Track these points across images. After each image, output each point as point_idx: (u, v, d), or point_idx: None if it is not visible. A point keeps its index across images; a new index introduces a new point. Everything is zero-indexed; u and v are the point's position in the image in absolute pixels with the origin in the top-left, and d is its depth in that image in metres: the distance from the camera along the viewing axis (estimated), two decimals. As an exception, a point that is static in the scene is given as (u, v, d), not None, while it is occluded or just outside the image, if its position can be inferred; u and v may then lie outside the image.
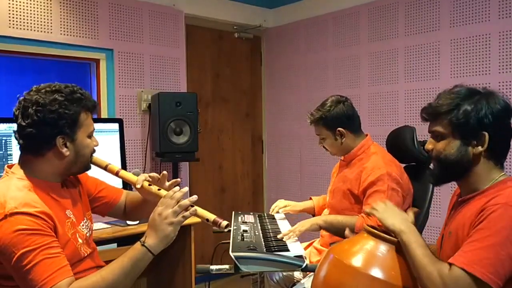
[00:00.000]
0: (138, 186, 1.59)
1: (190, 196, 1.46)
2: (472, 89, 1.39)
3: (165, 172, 1.65)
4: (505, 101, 1.36)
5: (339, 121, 2.21)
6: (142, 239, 1.41)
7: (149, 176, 1.62)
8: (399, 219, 1.37)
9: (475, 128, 1.33)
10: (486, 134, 1.33)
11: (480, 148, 1.34)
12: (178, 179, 1.62)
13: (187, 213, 1.42)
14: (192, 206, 1.44)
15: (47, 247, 1.33)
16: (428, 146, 1.44)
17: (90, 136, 1.55)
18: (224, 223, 1.41)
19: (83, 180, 1.73)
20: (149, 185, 1.60)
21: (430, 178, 1.51)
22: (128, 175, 1.64)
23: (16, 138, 1.47)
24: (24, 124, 1.43)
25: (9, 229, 1.31)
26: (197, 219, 2.66)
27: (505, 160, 1.41)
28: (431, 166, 1.46)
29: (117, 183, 1.98)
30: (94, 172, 1.67)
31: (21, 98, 1.46)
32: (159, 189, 1.57)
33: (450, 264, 1.24)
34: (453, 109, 1.35)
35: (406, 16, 3.25)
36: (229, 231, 1.42)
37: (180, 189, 1.48)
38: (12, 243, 1.30)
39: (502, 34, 2.79)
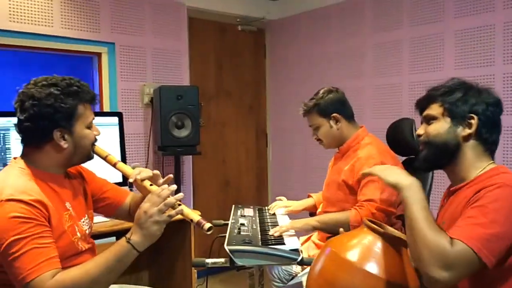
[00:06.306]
0: (131, 180, 1.58)
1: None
2: (468, 81, 1.44)
3: (156, 171, 1.62)
4: (497, 97, 1.41)
5: (333, 106, 2.21)
6: (128, 235, 1.40)
7: (142, 171, 1.60)
8: (402, 175, 1.33)
9: (466, 111, 1.37)
10: (476, 117, 1.36)
11: (468, 130, 1.37)
12: (170, 175, 1.60)
13: (173, 212, 1.40)
14: (179, 204, 1.43)
15: (37, 237, 1.33)
16: (420, 131, 1.47)
17: (89, 126, 1.55)
18: (207, 225, 1.39)
19: (90, 180, 1.74)
20: (142, 180, 1.58)
21: (419, 164, 1.48)
22: (125, 167, 1.63)
23: (17, 131, 1.49)
24: (22, 118, 1.44)
25: (3, 215, 1.32)
26: (198, 213, 2.69)
27: (494, 151, 1.41)
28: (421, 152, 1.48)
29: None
30: (97, 162, 1.66)
31: (20, 91, 1.47)
32: (151, 185, 1.56)
33: (451, 238, 1.20)
34: (447, 92, 1.40)
35: (411, 7, 3.20)
36: (211, 232, 1.41)
37: (168, 186, 1.46)
38: (4, 229, 1.31)
39: (507, 25, 2.74)
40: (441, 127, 1.40)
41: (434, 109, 1.42)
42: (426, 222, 1.20)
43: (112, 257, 1.37)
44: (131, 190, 1.98)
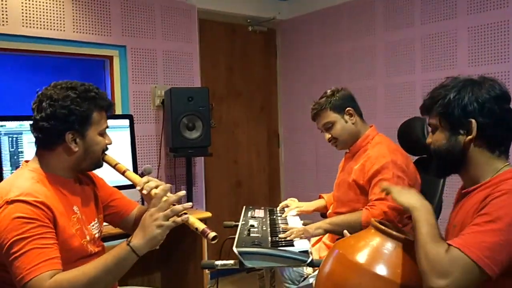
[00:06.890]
0: (139, 188, 1.56)
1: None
2: (463, 79, 1.37)
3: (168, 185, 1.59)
4: (496, 89, 1.32)
5: (346, 101, 2.22)
6: (129, 238, 1.40)
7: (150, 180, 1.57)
8: (414, 197, 1.33)
9: (461, 116, 1.32)
10: (473, 121, 1.30)
11: (469, 136, 1.32)
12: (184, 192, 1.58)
13: (178, 219, 1.39)
14: (186, 213, 1.41)
15: (39, 237, 1.34)
16: (428, 139, 1.45)
17: (102, 134, 1.57)
18: (212, 234, 1.38)
19: (100, 186, 1.75)
20: (150, 189, 1.55)
21: (433, 173, 1.48)
22: (133, 175, 1.62)
23: (32, 132, 1.51)
24: (38, 117, 1.47)
25: (7, 215, 1.34)
26: (208, 215, 2.70)
27: (507, 149, 1.36)
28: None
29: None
30: (107, 171, 1.67)
31: (39, 92, 1.51)
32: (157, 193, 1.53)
33: (449, 245, 1.19)
34: (440, 100, 1.35)
35: (422, 4, 3.16)
36: (216, 242, 1.40)
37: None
38: (7, 229, 1.33)
39: (521, 20, 2.69)
40: (442, 137, 1.37)
41: (433, 119, 1.40)
42: (429, 236, 1.21)
43: (111, 259, 1.37)
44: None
